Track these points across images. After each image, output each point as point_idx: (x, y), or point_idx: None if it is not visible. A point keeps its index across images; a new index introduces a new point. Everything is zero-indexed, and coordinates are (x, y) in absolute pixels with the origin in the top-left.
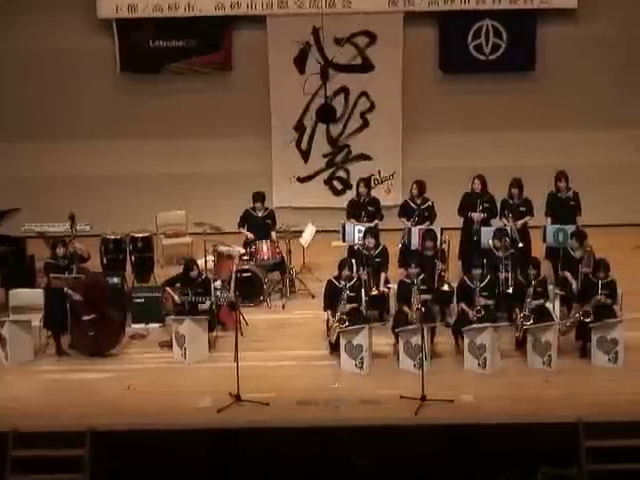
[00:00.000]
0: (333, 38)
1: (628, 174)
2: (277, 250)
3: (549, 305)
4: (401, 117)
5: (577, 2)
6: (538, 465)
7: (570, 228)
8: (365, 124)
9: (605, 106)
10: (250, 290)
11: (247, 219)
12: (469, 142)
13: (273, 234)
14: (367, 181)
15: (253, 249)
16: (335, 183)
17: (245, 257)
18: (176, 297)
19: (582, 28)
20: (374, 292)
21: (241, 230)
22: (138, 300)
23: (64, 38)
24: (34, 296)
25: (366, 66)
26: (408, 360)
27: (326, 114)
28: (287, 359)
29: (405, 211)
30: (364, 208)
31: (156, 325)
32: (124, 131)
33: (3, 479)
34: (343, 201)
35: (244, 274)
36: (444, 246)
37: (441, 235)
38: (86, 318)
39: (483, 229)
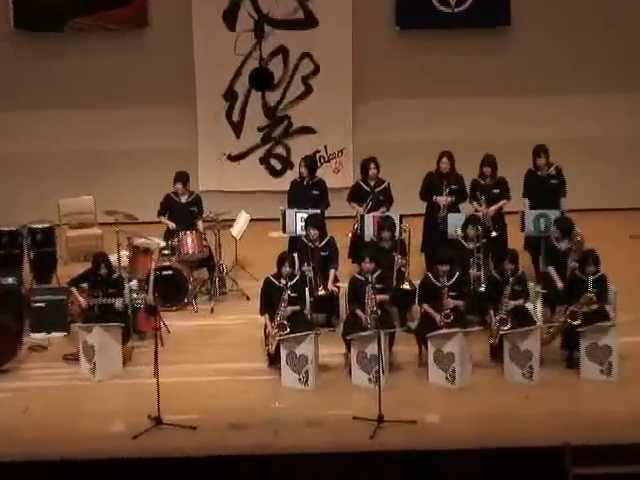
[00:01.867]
0: None
1: (621, 149)
2: (204, 243)
3: (529, 306)
4: (351, 82)
5: None
6: None
7: (553, 214)
8: (308, 91)
9: (593, 66)
10: (172, 291)
11: (168, 206)
12: (432, 112)
13: (199, 223)
14: (311, 159)
15: (175, 242)
16: (273, 162)
17: (166, 251)
18: (83, 300)
19: None
20: (321, 292)
21: (161, 219)
22: (38, 304)
23: None
24: None
25: (309, 21)
26: (362, 373)
27: (261, 79)
28: (217, 374)
29: (357, 195)
30: (308, 191)
31: (60, 334)
32: (18, 100)
33: None
34: (283, 183)
35: (165, 272)
36: (404, 236)
37: (400, 223)
38: None
39: (450, 216)
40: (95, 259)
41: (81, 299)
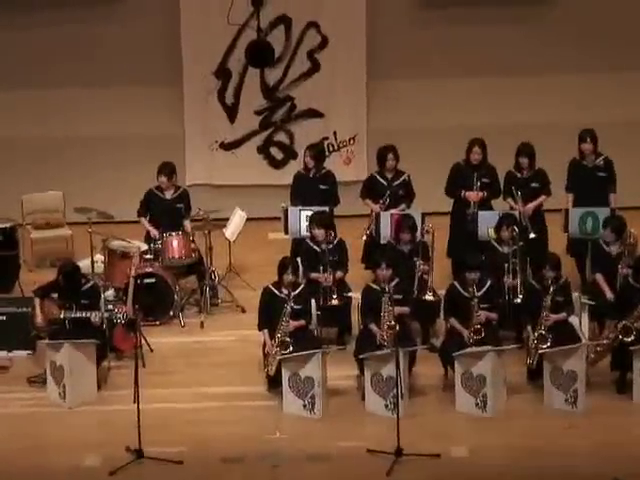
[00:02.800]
0: None
1: None
2: (192, 246)
3: (574, 320)
4: (365, 57)
5: None
6: None
7: (602, 212)
8: (315, 68)
9: None
10: (155, 302)
11: (151, 203)
12: (459, 92)
13: (187, 223)
14: (318, 148)
15: (159, 245)
16: (273, 151)
17: (148, 256)
18: (41, 316)
19: None
20: (334, 302)
21: (142, 221)
22: None
23: None
24: None
25: None
26: (377, 399)
27: (260, 54)
28: (207, 399)
29: (372, 189)
30: (314, 185)
31: (23, 353)
32: None
33: None
34: (285, 176)
35: (146, 280)
36: (427, 238)
37: (422, 223)
38: None
39: (481, 214)
40: (64, 265)
41: (39, 314)
